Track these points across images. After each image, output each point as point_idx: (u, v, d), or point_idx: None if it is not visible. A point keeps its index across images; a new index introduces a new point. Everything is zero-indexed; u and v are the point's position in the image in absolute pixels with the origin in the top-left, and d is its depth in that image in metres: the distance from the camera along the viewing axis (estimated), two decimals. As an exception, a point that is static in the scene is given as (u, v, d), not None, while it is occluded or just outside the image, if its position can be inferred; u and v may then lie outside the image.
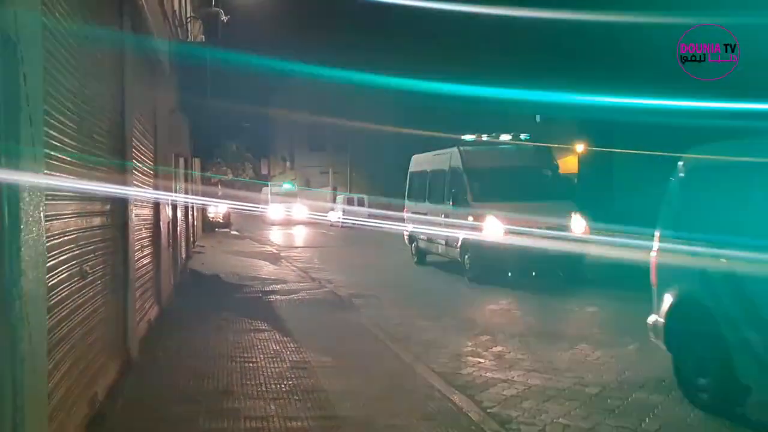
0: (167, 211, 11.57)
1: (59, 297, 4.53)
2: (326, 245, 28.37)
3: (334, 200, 52.51)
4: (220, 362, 7.36)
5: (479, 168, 15.27)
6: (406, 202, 19.35)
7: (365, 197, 47.75)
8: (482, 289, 13.33)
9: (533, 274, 13.84)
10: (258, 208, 45.07)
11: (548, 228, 13.26)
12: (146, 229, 9.13)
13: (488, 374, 7.13)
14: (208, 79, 15.53)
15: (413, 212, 18.64)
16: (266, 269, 16.90)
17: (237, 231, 36.49)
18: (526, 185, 14.90)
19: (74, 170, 5.02)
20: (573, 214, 14.08)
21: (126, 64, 7.18)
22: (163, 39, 10.59)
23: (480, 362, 7.66)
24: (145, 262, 8.90)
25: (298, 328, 9.34)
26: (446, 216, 15.61)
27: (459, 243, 14.85)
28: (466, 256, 14.54)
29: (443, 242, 16.09)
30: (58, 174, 4.50)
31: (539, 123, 65.15)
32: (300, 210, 45.92)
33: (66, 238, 4.77)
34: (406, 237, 19.21)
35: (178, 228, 14.01)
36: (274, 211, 44.94)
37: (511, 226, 13.34)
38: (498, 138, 16.29)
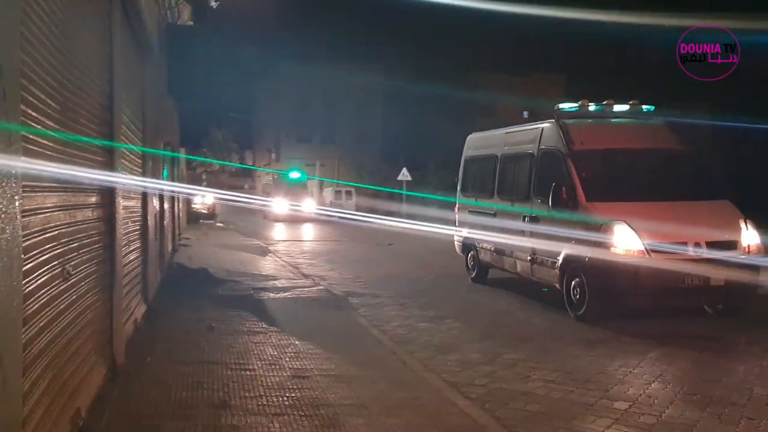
0: (155, 203, 10.94)
1: (38, 304, 3.93)
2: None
3: (320, 191, 52.02)
4: (213, 369, 6.77)
5: (594, 151, 10.46)
6: (459, 197, 14.49)
7: (353, 190, 47.15)
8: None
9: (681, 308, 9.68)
10: (254, 199, 40.99)
11: (710, 244, 9.23)
12: (133, 222, 8.51)
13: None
14: (198, 65, 14.87)
15: (471, 212, 13.62)
16: (255, 264, 16.28)
17: (222, 223, 35.77)
18: (669, 178, 10.65)
19: (57, 156, 4.41)
20: (741, 222, 9.69)
21: (115, 45, 6.54)
22: (153, 20, 9.95)
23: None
24: (132, 258, 8.28)
25: (295, 330, 8.76)
26: (532, 220, 11.01)
27: (559, 261, 10.13)
28: (575, 283, 9.80)
29: (526, 257, 11.19)
30: (38, 160, 3.89)
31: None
32: (309, 204, 39.08)
33: (47, 235, 4.18)
34: (457, 244, 14.42)
35: (165, 220, 13.37)
36: (278, 205, 37.78)
37: (655, 240, 9.12)
38: (611, 107, 11.34)
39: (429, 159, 48.86)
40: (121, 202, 6.59)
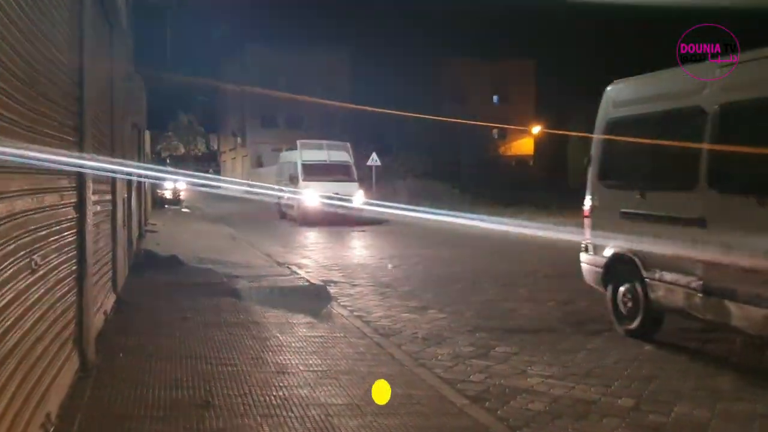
0: (123, 187, 10.37)
1: (3, 302, 3.47)
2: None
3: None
4: (192, 364, 6.33)
5: None
6: (594, 189, 8.80)
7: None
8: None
9: None
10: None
11: None
12: (102, 207, 7.97)
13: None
14: (165, 41, 14.24)
15: (630, 216, 7.97)
16: (225, 250, 15.75)
17: (188, 209, 35.00)
18: None
19: (21, 134, 3.93)
20: None
21: (84, 13, 6.00)
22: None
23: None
24: (101, 245, 7.76)
25: (274, 322, 8.35)
26: None
27: None
28: None
29: None
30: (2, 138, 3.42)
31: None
32: (359, 196, 26.24)
33: (11, 222, 3.70)
34: (590, 270, 8.71)
35: (133, 205, 12.77)
36: (310, 197, 25.36)
37: None
38: None
39: (397, 144, 48.34)
40: (91, 186, 6.08)
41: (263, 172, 63.96)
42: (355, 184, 26.93)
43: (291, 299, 9.92)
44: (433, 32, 63.62)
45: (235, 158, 77.46)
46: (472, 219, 20.49)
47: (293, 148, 29.83)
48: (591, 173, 8.81)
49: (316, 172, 26.47)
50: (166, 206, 33.86)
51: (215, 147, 74.92)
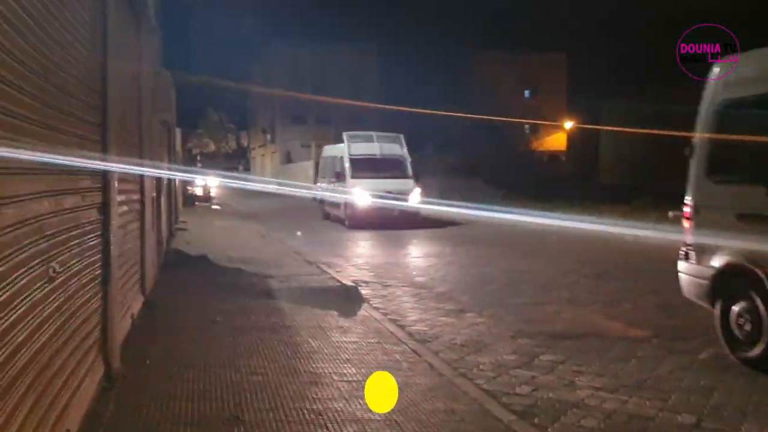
0: (152, 186, 10.15)
1: (15, 315, 3.18)
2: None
3: (316, 175, 50.87)
4: (221, 374, 6.03)
5: None
6: (702, 187, 7.33)
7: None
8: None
9: None
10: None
11: None
12: (130, 206, 7.73)
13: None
14: (195, 36, 13.97)
15: (749, 214, 6.50)
16: (255, 248, 15.52)
17: (218, 206, 35.01)
18: None
19: (38, 133, 3.63)
20: None
21: (108, 6, 5.72)
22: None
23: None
24: (129, 247, 7.52)
25: (305, 325, 8.03)
26: None
27: None
28: None
29: None
30: (12, 138, 3.12)
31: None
32: (415, 195, 23.01)
33: (25, 228, 3.40)
34: (694, 283, 7.31)
35: (162, 204, 12.57)
36: (359, 195, 22.28)
37: None
38: None
39: (427, 140, 47.72)
40: (116, 186, 5.81)
41: (293, 169, 64.03)
42: (411, 181, 23.50)
43: (322, 300, 9.60)
44: (461, 25, 63.11)
45: (264, 155, 77.67)
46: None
47: (331, 142, 28.78)
48: (694, 167, 7.37)
49: (365, 167, 23.36)
50: (196, 204, 33.87)
51: (245, 144, 75.16)
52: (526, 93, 68.87)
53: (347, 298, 9.80)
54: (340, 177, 23.90)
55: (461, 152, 48.11)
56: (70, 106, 4.47)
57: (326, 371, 6.19)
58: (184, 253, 13.36)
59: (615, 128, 39.37)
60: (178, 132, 22.63)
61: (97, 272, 5.32)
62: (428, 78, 54.48)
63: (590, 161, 51.66)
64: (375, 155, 24.27)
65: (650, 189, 31.62)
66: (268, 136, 73.18)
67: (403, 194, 22.21)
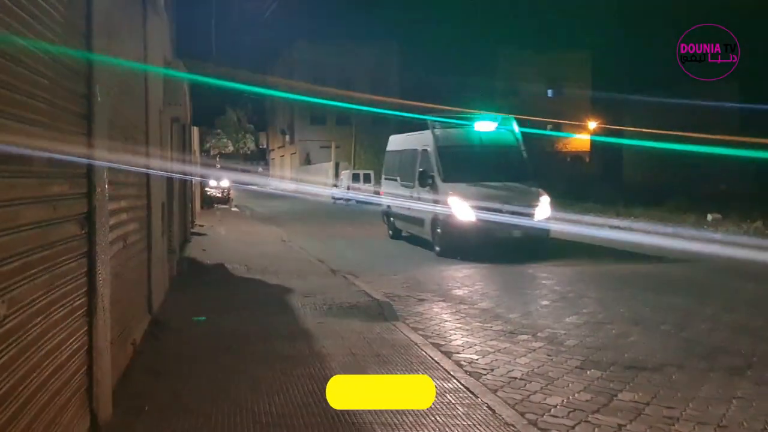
0: (162, 189, 9.06)
1: None
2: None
3: (336, 176, 49.69)
4: (234, 422, 4.88)
5: None
6: None
7: (371, 173, 45.02)
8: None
9: None
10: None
11: None
12: (132, 215, 6.62)
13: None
14: (211, 22, 12.89)
15: None
16: (275, 255, 14.39)
17: (237, 208, 34.04)
18: None
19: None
20: None
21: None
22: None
23: None
24: (131, 262, 6.41)
25: (335, 352, 6.85)
26: None
27: None
28: None
29: None
30: None
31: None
32: (544, 207, 15.24)
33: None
34: None
35: (175, 209, 11.48)
36: (458, 208, 14.97)
37: None
38: None
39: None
40: (106, 191, 4.67)
41: (312, 170, 63.03)
42: (534, 188, 15.64)
43: (352, 319, 8.44)
44: (484, 23, 61.81)
45: (283, 156, 76.84)
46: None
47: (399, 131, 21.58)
48: None
49: (464, 165, 15.81)
50: (215, 206, 32.90)
51: (264, 145, 74.31)
52: (549, 93, 67.51)
53: (380, 317, 8.63)
54: (424, 180, 16.18)
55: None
56: (36, 88, 3.35)
57: (367, 419, 5.01)
58: (199, 261, 12.28)
59: (639, 129, 37.96)
60: (195, 131, 21.63)
61: (79, 301, 4.19)
62: (450, 76, 53.09)
63: (614, 162, 50.21)
64: (477, 146, 16.66)
65: (681, 189, 30.30)
66: (287, 137, 72.27)
67: (524, 205, 14.78)
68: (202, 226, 20.86)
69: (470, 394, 5.60)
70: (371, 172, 44.75)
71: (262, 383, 5.79)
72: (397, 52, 63.40)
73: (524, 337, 7.88)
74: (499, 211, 14.39)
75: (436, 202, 15.45)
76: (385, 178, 20.26)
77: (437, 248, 15.37)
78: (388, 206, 19.38)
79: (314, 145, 66.94)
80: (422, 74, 54.08)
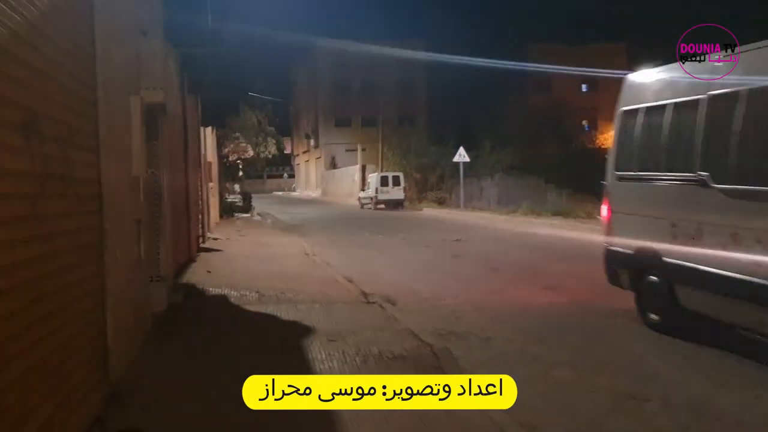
0: (134, 204, 6.66)
1: None
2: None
3: (363, 180, 47.05)
4: None
5: None
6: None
7: (401, 175, 42.50)
8: None
9: None
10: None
11: None
12: (56, 246, 4.21)
13: None
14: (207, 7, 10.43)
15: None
16: (297, 276, 11.93)
17: (260, 215, 31.82)
18: None
19: None
20: None
21: None
22: None
23: None
24: (60, 316, 4.00)
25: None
26: None
27: None
28: None
29: None
30: None
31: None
32: None
33: None
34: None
35: (166, 226, 9.10)
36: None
37: None
38: None
39: (482, 138, 43.76)
40: None
41: (338, 175, 60.78)
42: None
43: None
44: (515, 16, 59.28)
45: (308, 161, 74.89)
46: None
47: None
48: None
49: None
50: (235, 215, 30.62)
51: (288, 150, 72.24)
52: (584, 87, 64.94)
53: (436, 371, 6.11)
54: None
55: (518, 151, 43.96)
56: None
57: None
58: (198, 289, 9.85)
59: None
60: (206, 132, 19.26)
61: None
62: (479, 73, 50.53)
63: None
64: None
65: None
66: (312, 141, 70.23)
67: None
68: (217, 239, 18.53)
69: None
70: (401, 174, 42.34)
71: None
72: (423, 48, 60.94)
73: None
74: None
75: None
76: (618, 169, 9.10)
77: None
78: (653, 252, 7.80)
79: (340, 149, 64.89)
80: (451, 71, 51.34)
